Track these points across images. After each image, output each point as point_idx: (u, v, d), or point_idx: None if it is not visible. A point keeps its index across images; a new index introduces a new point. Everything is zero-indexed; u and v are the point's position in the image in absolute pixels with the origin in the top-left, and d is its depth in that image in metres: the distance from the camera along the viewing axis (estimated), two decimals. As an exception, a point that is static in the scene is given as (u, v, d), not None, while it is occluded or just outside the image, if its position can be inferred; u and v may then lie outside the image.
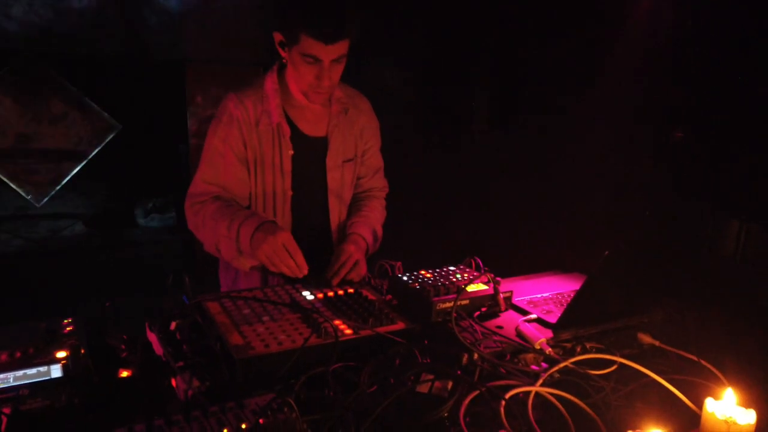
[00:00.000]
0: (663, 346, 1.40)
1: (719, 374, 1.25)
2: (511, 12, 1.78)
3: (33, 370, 1.08)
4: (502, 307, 1.47)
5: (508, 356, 1.27)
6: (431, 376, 1.14)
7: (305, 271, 1.56)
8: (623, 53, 2.29)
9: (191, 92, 4.32)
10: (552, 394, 1.13)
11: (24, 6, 3.76)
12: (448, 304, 1.39)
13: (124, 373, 1.19)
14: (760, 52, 2.02)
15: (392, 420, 1.02)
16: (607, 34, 2.33)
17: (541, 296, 1.59)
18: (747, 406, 1.01)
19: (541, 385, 1.15)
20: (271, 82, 1.77)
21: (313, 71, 1.61)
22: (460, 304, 1.42)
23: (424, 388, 1.13)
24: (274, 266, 1.56)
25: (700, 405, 1.05)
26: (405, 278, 1.51)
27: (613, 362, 1.24)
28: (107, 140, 4.75)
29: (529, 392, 1.12)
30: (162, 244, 5.08)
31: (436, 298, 1.39)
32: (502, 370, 1.21)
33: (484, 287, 1.49)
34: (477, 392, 1.11)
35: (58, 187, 4.74)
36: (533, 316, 1.44)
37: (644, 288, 1.52)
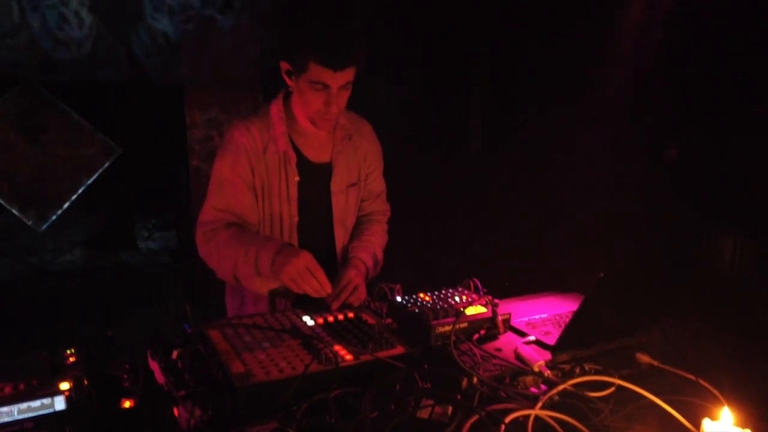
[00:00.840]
0: (661, 365, 1.41)
1: (717, 394, 1.26)
2: (506, 24, 1.82)
3: (37, 403, 1.09)
4: (501, 330, 1.49)
5: (508, 379, 1.28)
6: (431, 402, 1.15)
7: (329, 290, 1.59)
8: (615, 70, 2.33)
9: (190, 115, 4.37)
10: (551, 417, 1.13)
11: (25, 35, 3.82)
12: (447, 328, 1.40)
13: (127, 404, 1.20)
14: (755, 67, 2.06)
15: (393, 447, 1.03)
16: (599, 49, 2.37)
17: (540, 317, 1.60)
18: (744, 426, 1.02)
19: (541, 408, 1.15)
20: (276, 109, 1.80)
21: (321, 98, 1.64)
22: (459, 327, 1.43)
23: (424, 414, 1.14)
24: (298, 288, 1.58)
25: (698, 426, 1.05)
26: (404, 302, 1.52)
27: (611, 384, 1.25)
28: (107, 164, 4.78)
29: (528, 416, 1.13)
30: (162, 266, 5.10)
31: (435, 322, 1.41)
32: (502, 394, 1.22)
33: (483, 310, 1.51)
34: (477, 417, 1.12)
35: (59, 212, 4.77)
36: (532, 338, 1.46)
37: (641, 307, 1.53)
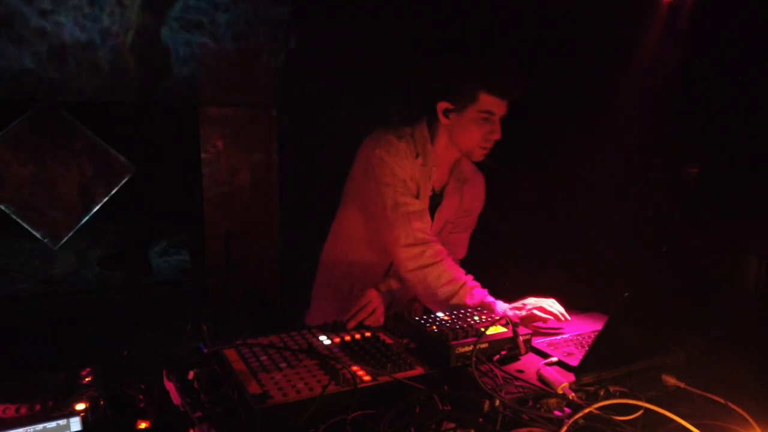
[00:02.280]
0: (688, 387, 1.37)
1: (748, 417, 1.22)
2: (518, 47, 1.84)
3: (53, 424, 1.07)
4: (522, 350, 1.45)
5: (531, 402, 1.25)
6: (452, 425, 1.12)
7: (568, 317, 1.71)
8: (634, 88, 2.32)
9: (204, 135, 4.40)
10: (577, 441, 1.10)
11: (42, 56, 3.88)
12: (467, 348, 1.38)
13: (143, 425, 1.18)
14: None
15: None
16: (617, 67, 2.37)
17: (561, 338, 1.57)
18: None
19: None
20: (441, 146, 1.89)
21: (486, 128, 1.77)
22: (480, 347, 1.40)
23: (446, 437, 1.10)
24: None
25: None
26: (422, 321, 1.50)
27: (638, 407, 1.21)
28: (122, 183, 4.82)
29: (553, 440, 1.09)
30: (176, 284, 5.10)
31: (455, 342, 1.38)
32: (525, 417, 1.19)
33: (503, 330, 1.48)
34: (501, 441, 1.09)
35: (74, 230, 4.80)
36: (554, 359, 1.42)
37: (665, 328, 1.49)
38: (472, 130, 1.79)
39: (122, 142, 4.65)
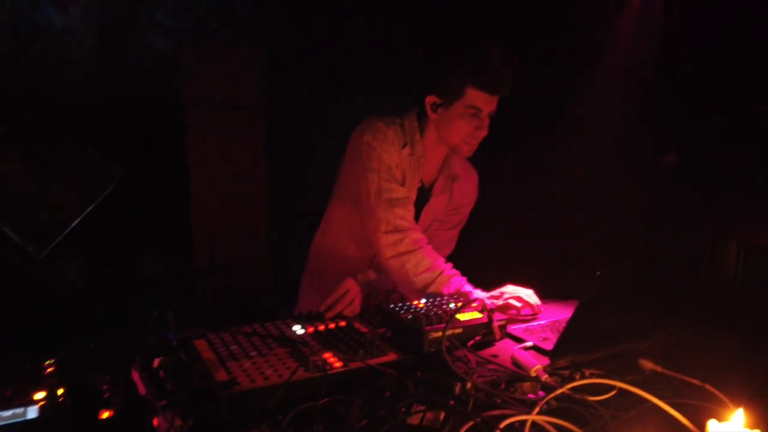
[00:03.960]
0: (665, 371, 1.36)
1: (723, 397, 1.20)
2: (505, 43, 1.84)
3: (8, 412, 1.04)
4: (497, 336, 1.43)
5: (503, 385, 1.23)
6: (422, 408, 1.10)
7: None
8: (612, 78, 2.32)
9: (190, 138, 4.36)
10: (549, 422, 1.08)
11: (25, 58, 3.84)
12: (440, 334, 1.35)
13: (105, 414, 1.15)
14: (750, 74, 2.04)
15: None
16: (596, 56, 2.37)
17: (538, 324, 1.55)
18: (753, 427, 0.97)
19: (538, 414, 1.10)
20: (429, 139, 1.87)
21: (473, 123, 1.76)
22: (454, 333, 1.38)
23: (415, 420, 1.08)
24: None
25: (703, 428, 1.00)
26: (396, 308, 1.47)
27: (612, 387, 1.19)
28: (108, 190, 4.76)
29: (525, 421, 1.07)
30: (162, 290, 5.04)
31: (428, 327, 1.36)
32: (498, 400, 1.16)
33: (479, 316, 1.46)
34: (471, 423, 1.07)
35: (59, 238, 4.73)
36: (529, 343, 1.40)
37: (642, 311, 1.48)
38: (458, 125, 1.77)
39: (107, 146, 4.60)
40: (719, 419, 0.98)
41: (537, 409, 1.11)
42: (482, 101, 1.73)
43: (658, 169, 2.22)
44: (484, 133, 1.79)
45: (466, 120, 1.76)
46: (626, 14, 2.21)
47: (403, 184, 1.83)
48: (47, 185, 4.66)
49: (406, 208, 1.79)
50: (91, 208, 4.83)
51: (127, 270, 5.19)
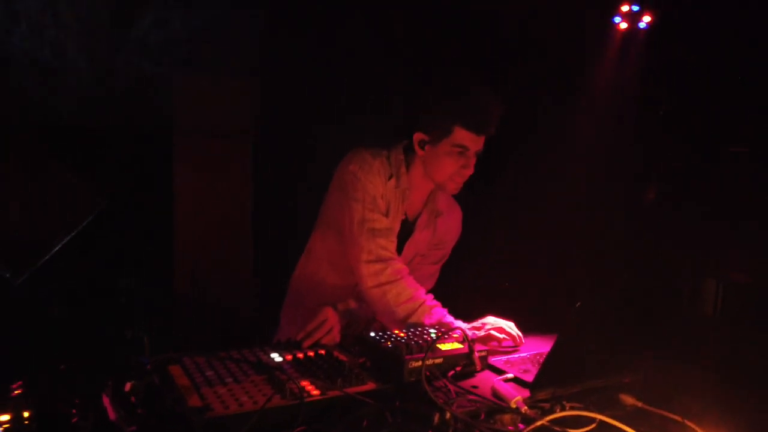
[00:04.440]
0: (646, 406, 1.35)
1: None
2: (493, 82, 1.89)
3: (-30, 435, 1.00)
4: (478, 367, 1.42)
5: (483, 416, 1.21)
6: (400, 437, 1.08)
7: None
8: (595, 114, 2.37)
9: (178, 166, 4.34)
10: (529, 455, 1.06)
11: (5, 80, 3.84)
12: (420, 363, 1.34)
13: (72, 439, 1.11)
14: (730, 108, 2.10)
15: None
16: (576, 98, 2.43)
17: (519, 356, 1.54)
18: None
19: (518, 446, 1.08)
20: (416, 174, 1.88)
21: (459, 162, 1.76)
22: (434, 362, 1.37)
23: (392, 450, 1.06)
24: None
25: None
26: (377, 337, 1.46)
27: (592, 420, 1.18)
28: (90, 218, 4.70)
29: (504, 453, 1.05)
30: (143, 316, 4.93)
31: (408, 357, 1.34)
32: (477, 431, 1.14)
33: (459, 346, 1.44)
34: (449, 454, 1.04)
35: (37, 266, 4.63)
36: (510, 375, 1.39)
37: (623, 346, 1.48)
38: (445, 163, 1.78)
39: (92, 172, 4.57)
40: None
41: (516, 441, 1.09)
42: (469, 140, 1.74)
43: (638, 202, 2.25)
44: (470, 171, 1.80)
45: (452, 158, 1.77)
46: (607, 53, 2.28)
47: (387, 216, 1.84)
48: (28, 211, 4.59)
49: (388, 239, 1.79)
50: (71, 236, 4.75)
51: (108, 296, 5.09)
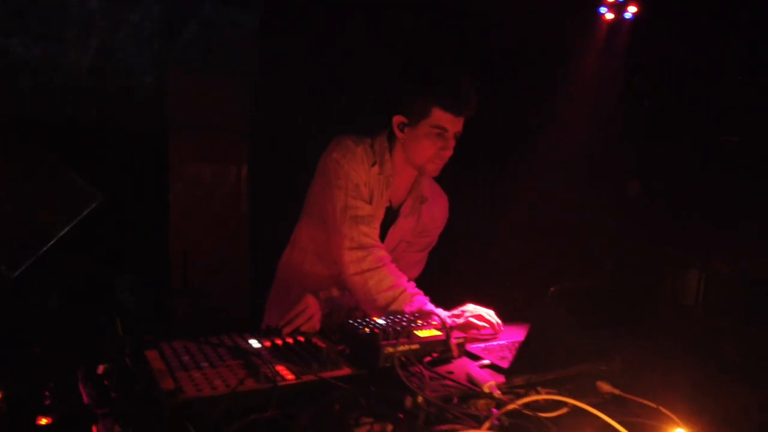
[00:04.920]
0: (623, 394, 1.35)
1: (676, 419, 1.20)
2: (471, 64, 1.89)
3: (-61, 415, 1.00)
4: (455, 353, 1.42)
5: (456, 400, 1.21)
6: (370, 419, 1.08)
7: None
8: (579, 108, 2.37)
9: (173, 162, 4.34)
10: (498, 438, 1.06)
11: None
12: (396, 349, 1.34)
13: (43, 421, 1.11)
14: (718, 98, 2.11)
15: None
16: (562, 89, 2.43)
17: (497, 343, 1.54)
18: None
19: (488, 429, 1.08)
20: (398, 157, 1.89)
21: (438, 143, 1.77)
22: (411, 348, 1.37)
23: (361, 432, 1.06)
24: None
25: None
26: (355, 324, 1.46)
27: (563, 404, 1.18)
28: (86, 212, 4.70)
29: (473, 436, 1.06)
30: (142, 316, 4.93)
31: (385, 342, 1.34)
32: (449, 415, 1.15)
33: (437, 333, 1.45)
34: (418, 436, 1.05)
35: (33, 258, 4.63)
36: (486, 361, 1.39)
37: (600, 333, 1.48)
38: (424, 145, 1.79)
39: (88, 168, 4.56)
40: (665, 435, 0.97)
41: (487, 425, 1.09)
42: (447, 122, 1.75)
43: (623, 195, 2.25)
44: (449, 153, 1.81)
45: (431, 140, 1.77)
46: (593, 44, 2.27)
47: (370, 203, 1.84)
48: (25, 206, 4.59)
49: (371, 226, 1.79)
50: (67, 229, 4.75)
51: (103, 292, 5.09)
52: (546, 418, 1.15)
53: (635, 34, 2.22)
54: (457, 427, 1.10)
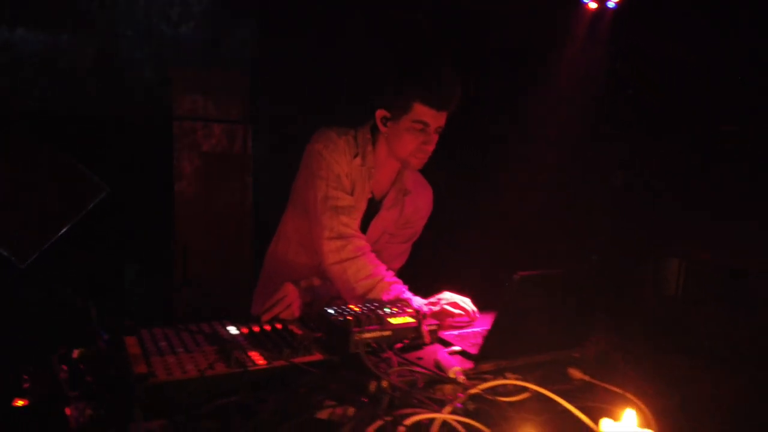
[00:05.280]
0: (593, 380, 1.36)
1: (640, 404, 1.21)
2: (452, 59, 1.88)
3: None
4: (426, 340, 1.45)
5: (421, 384, 1.23)
6: (333, 403, 1.11)
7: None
8: (561, 97, 2.37)
9: (177, 155, 4.37)
10: (459, 421, 1.08)
11: (7, 65, 3.90)
12: (367, 335, 1.36)
13: (20, 402, 1.15)
14: (697, 93, 2.10)
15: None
16: (544, 78, 2.42)
17: (471, 330, 1.56)
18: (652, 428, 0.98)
19: (451, 413, 1.10)
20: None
21: (420, 138, 1.78)
22: (383, 335, 1.39)
23: (324, 415, 1.09)
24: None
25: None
26: (330, 311, 1.49)
27: (524, 390, 1.20)
28: (93, 203, 4.75)
29: (434, 420, 1.08)
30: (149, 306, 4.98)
31: (357, 329, 1.37)
32: (414, 400, 1.17)
33: (411, 320, 1.47)
34: (380, 420, 1.07)
35: (42, 249, 4.70)
36: (456, 348, 1.41)
37: (572, 320, 1.49)
38: (406, 139, 1.80)
39: (94, 160, 4.61)
40: (616, 418, 0.99)
41: (449, 408, 1.12)
42: (429, 116, 1.75)
43: (605, 184, 2.25)
44: (431, 147, 1.82)
45: (413, 134, 1.78)
46: (576, 33, 2.27)
47: (351, 194, 1.86)
48: (33, 197, 4.65)
49: (351, 216, 1.81)
50: (76, 220, 4.81)
51: (108, 284, 5.15)
52: (507, 402, 1.17)
53: (618, 23, 2.21)
54: (420, 410, 1.12)
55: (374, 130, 1.90)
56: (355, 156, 1.86)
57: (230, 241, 4.46)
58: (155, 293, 5.00)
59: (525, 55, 2.48)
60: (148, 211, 4.64)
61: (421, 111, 1.74)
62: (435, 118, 1.76)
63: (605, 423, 0.97)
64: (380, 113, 1.83)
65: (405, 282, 1.79)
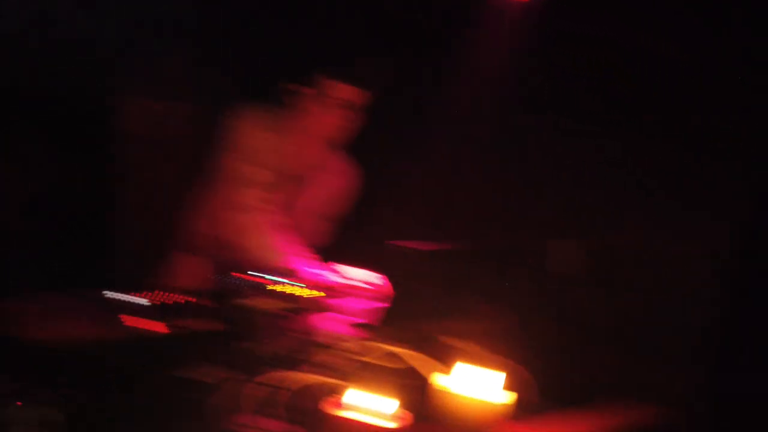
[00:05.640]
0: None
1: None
2: (374, 37, 1.91)
3: None
4: (314, 309, 1.50)
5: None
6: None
7: None
8: (470, 78, 2.39)
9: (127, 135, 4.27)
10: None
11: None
12: (250, 302, 1.42)
13: None
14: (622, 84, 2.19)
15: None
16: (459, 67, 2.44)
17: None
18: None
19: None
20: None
21: (340, 115, 1.82)
22: (272, 303, 1.45)
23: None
24: None
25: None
26: (224, 281, 1.54)
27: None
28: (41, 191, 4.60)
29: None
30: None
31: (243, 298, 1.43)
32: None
33: (299, 290, 1.54)
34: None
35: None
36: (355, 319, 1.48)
37: (467, 296, 1.56)
38: (326, 116, 1.84)
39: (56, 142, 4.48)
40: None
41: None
42: (348, 94, 1.81)
43: (505, 168, 2.31)
44: (352, 125, 1.87)
45: (333, 111, 1.83)
46: (498, 24, 2.30)
47: (268, 169, 1.88)
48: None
49: (261, 189, 1.84)
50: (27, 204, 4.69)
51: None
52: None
53: (543, 13, 2.24)
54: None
55: (296, 107, 1.93)
56: (273, 132, 1.89)
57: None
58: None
59: (442, 46, 2.48)
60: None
61: (340, 88, 1.79)
62: (355, 95, 1.81)
63: (436, 376, 1.04)
64: (300, 90, 1.86)
65: (322, 258, 1.83)
